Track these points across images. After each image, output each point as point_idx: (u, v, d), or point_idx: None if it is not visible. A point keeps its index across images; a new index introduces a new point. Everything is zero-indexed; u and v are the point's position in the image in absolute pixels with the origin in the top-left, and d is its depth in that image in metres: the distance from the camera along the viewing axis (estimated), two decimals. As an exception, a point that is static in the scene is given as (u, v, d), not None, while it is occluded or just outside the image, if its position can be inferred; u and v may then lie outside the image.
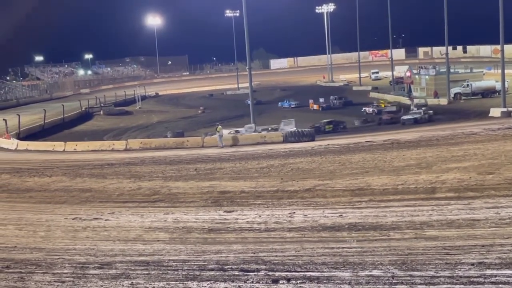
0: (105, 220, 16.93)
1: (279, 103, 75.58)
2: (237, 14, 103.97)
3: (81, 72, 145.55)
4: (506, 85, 54.67)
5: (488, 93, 63.65)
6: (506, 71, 52.90)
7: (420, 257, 10.50)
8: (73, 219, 17.30)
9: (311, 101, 71.58)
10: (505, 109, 46.66)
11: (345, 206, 16.65)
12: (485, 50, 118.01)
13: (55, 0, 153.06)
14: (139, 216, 17.24)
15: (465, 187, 17.45)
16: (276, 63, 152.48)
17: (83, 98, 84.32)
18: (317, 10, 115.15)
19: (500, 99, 51.08)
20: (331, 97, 72.11)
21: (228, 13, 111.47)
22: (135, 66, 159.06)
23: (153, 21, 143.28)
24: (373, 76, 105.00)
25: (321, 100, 71.17)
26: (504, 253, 10.19)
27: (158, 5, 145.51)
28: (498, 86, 58.11)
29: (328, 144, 33.99)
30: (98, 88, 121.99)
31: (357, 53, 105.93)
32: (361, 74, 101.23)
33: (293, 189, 19.80)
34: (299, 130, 39.96)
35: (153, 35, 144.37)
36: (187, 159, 31.77)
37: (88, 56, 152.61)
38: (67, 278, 10.52)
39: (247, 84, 53.58)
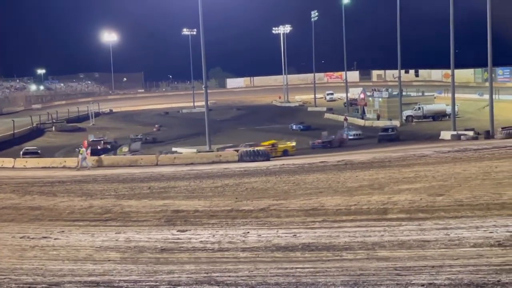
0: (55, 239, 16.52)
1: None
2: (194, 33, 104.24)
3: (33, 87, 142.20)
4: (456, 109, 56.21)
5: (439, 116, 65.29)
6: (456, 95, 54.40)
7: (372, 277, 10.57)
8: (21, 237, 16.81)
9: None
10: (455, 132, 47.87)
11: (299, 226, 16.68)
12: (436, 74, 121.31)
13: (7, 13, 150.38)
14: (90, 235, 16.88)
15: (416, 208, 17.70)
16: (233, 82, 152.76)
17: (34, 113, 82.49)
18: (273, 31, 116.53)
19: (450, 122, 52.40)
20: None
21: (185, 31, 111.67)
22: (89, 82, 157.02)
23: (109, 37, 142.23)
24: (328, 97, 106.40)
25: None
26: (454, 274, 10.35)
27: (114, 21, 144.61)
28: (449, 109, 59.63)
29: (283, 164, 34.12)
30: (51, 103, 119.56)
31: (312, 74, 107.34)
32: (316, 95, 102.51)
33: (247, 209, 19.73)
34: (254, 149, 40.01)
35: (109, 52, 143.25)
36: (140, 177, 31.38)
37: (41, 71, 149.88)
38: (13, 299, 10.20)
39: (203, 103, 53.57)
